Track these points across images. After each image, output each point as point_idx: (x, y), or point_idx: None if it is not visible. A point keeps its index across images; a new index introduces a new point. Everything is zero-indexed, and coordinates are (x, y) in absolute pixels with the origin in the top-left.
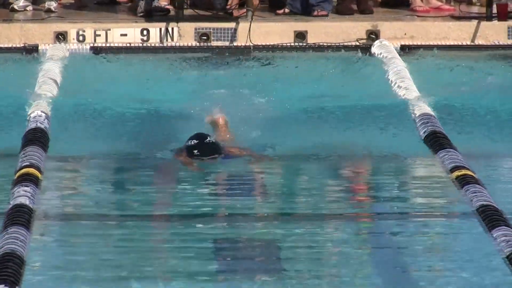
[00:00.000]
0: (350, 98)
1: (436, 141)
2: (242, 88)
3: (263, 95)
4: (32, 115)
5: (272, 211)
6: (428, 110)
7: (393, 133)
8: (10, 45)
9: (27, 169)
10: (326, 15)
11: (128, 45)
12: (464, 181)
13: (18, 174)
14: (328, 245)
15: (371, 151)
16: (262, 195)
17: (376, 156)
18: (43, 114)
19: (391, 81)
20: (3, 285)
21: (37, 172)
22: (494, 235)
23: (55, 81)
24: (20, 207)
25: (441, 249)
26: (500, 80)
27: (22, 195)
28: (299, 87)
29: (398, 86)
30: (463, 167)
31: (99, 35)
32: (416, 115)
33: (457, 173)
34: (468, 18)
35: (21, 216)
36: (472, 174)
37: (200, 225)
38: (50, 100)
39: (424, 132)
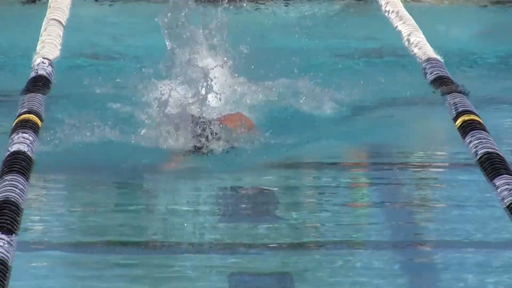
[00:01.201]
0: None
1: (443, 87)
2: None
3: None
4: (35, 62)
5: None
6: (434, 54)
7: (398, 78)
8: None
9: (26, 115)
10: None
11: None
12: (469, 127)
13: (17, 120)
14: (327, 194)
15: (371, 95)
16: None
17: (377, 101)
18: (47, 61)
19: (396, 27)
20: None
21: (37, 119)
22: (497, 184)
23: (60, 26)
24: (17, 154)
25: (441, 198)
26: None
27: (21, 142)
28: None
29: (403, 33)
30: (471, 112)
31: None
32: (423, 60)
33: (464, 117)
34: None
35: (18, 163)
36: (479, 120)
37: (201, 180)
38: (55, 46)
39: (431, 77)
